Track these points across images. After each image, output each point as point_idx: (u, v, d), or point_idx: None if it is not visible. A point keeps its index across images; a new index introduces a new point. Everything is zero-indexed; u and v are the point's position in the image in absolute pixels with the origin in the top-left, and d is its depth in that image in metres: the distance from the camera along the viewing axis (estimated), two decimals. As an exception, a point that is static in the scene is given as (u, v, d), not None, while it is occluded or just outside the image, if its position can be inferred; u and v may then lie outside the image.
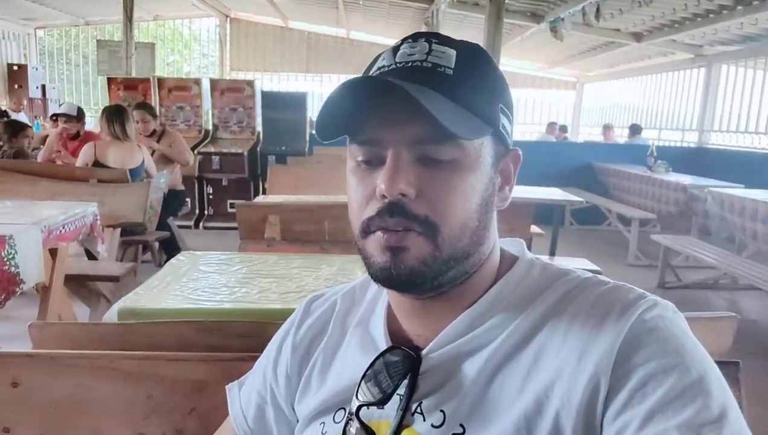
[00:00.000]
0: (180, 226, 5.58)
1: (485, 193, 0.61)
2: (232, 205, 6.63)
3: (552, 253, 4.12)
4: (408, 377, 0.61)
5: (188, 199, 6.29)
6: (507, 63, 12.28)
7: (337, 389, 0.67)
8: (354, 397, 0.63)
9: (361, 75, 0.61)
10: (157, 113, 5.32)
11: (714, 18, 6.01)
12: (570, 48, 9.27)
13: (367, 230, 0.60)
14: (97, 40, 10.08)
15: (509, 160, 0.66)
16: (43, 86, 11.06)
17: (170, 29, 14.76)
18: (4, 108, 8.78)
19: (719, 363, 0.55)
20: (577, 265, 3.71)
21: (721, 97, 7.88)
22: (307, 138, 6.90)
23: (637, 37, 7.48)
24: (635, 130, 8.71)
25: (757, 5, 5.42)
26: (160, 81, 7.10)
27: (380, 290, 0.72)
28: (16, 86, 10.99)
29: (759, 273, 3.88)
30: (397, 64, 0.60)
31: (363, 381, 0.63)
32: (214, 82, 7.22)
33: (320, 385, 0.70)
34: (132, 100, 6.24)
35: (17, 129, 4.27)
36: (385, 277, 0.60)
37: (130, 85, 7.05)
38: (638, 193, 6.52)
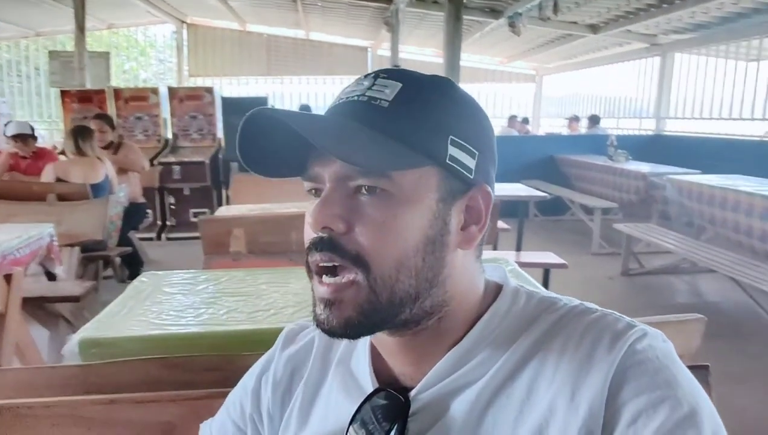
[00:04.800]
0: (142, 239, 5.47)
1: (429, 231, 0.57)
2: (195, 215, 6.54)
3: (518, 248, 4.16)
4: (398, 423, 0.59)
5: (149, 211, 6.16)
6: (467, 59, 12.39)
7: (325, 430, 0.65)
8: None
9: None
10: (116, 125, 5.19)
11: (667, 8, 6.19)
12: (529, 42, 9.40)
13: (309, 268, 0.59)
14: (49, 51, 9.77)
15: (477, 197, 0.61)
16: (-7, 100, 10.69)
17: (125, 37, 14.46)
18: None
19: (689, 368, 0.55)
20: (544, 258, 3.76)
21: (675, 85, 8.10)
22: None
23: (594, 28, 7.63)
24: (594, 120, 8.92)
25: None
26: (117, 91, 6.93)
27: None
28: (-37, 101, 10.62)
29: (717, 256, 4.00)
30: (339, 100, 0.61)
31: (351, 427, 0.61)
32: (172, 91, 7.08)
33: (302, 426, 0.69)
34: (88, 113, 6.09)
35: None
36: (321, 329, 0.59)
37: (84, 97, 6.84)
38: (600, 182, 6.65)
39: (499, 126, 11.33)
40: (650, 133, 8.46)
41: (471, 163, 0.59)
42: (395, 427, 0.59)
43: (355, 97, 0.59)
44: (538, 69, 12.94)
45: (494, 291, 0.65)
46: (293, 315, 1.37)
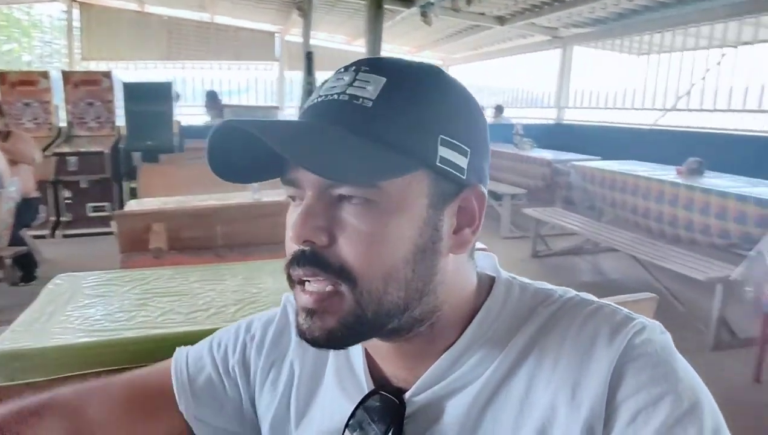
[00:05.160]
0: (34, 236, 5.05)
1: (420, 240, 0.54)
2: (94, 209, 6.15)
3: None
4: (394, 425, 0.58)
5: (43, 207, 5.70)
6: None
7: (322, 429, 0.66)
8: None
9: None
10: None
11: (569, 3, 6.52)
12: (438, 32, 9.56)
13: (290, 278, 0.57)
14: None
15: (470, 197, 0.58)
16: None
17: (4, 15, 13.19)
18: None
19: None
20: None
21: (575, 76, 8.57)
22: (176, 131, 6.54)
23: (501, 20, 7.88)
24: (499, 109, 9.33)
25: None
26: (1, 75, 6.31)
27: None
28: None
29: (617, 236, 4.33)
30: (318, 98, 0.56)
31: (347, 431, 0.61)
32: (66, 75, 6.55)
33: (302, 414, 0.69)
34: (-33, 98, 5.51)
35: None
36: (304, 340, 0.56)
37: (-38, 80, 6.19)
38: (508, 169, 6.93)
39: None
40: (551, 122, 8.90)
41: (463, 162, 0.56)
42: (391, 430, 0.58)
43: (335, 96, 0.54)
44: (445, 59, 13.21)
45: (487, 284, 0.63)
46: (236, 314, 1.31)
